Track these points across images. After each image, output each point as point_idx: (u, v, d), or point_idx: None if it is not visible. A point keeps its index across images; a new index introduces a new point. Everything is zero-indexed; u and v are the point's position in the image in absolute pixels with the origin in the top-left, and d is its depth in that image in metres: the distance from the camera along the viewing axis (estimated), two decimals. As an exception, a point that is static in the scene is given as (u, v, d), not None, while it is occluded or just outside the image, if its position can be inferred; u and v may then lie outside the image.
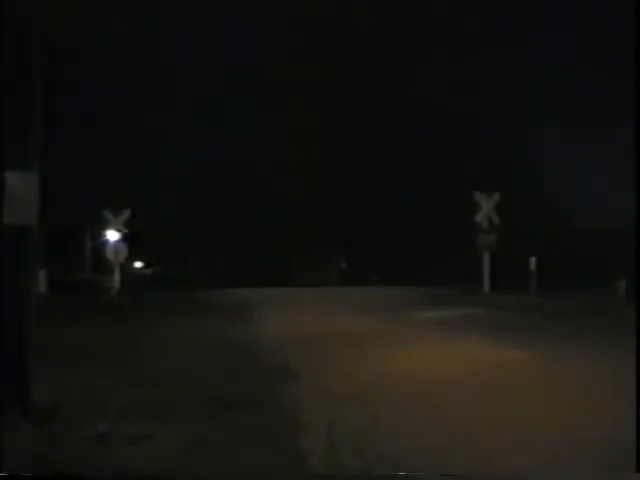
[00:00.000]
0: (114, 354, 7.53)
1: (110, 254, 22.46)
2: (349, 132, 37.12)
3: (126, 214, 23.54)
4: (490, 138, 33.41)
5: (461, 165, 32.50)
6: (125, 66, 30.62)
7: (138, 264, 42.53)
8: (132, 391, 5.36)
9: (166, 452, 3.83)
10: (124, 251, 22.67)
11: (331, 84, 34.81)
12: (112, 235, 23.32)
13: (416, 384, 5.97)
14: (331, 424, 4.44)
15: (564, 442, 4.06)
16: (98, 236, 27.49)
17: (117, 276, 22.49)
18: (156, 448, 3.89)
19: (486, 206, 22.36)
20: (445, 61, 31.96)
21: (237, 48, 33.71)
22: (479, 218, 22.34)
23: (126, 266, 30.45)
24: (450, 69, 31.95)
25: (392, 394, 5.51)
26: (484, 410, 4.94)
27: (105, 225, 24.02)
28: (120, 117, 31.32)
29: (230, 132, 35.83)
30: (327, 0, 28.72)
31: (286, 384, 5.95)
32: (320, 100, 35.22)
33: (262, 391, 5.57)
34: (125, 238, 23.18)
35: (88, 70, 28.72)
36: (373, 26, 33.08)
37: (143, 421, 4.41)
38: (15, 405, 4.08)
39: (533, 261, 21.94)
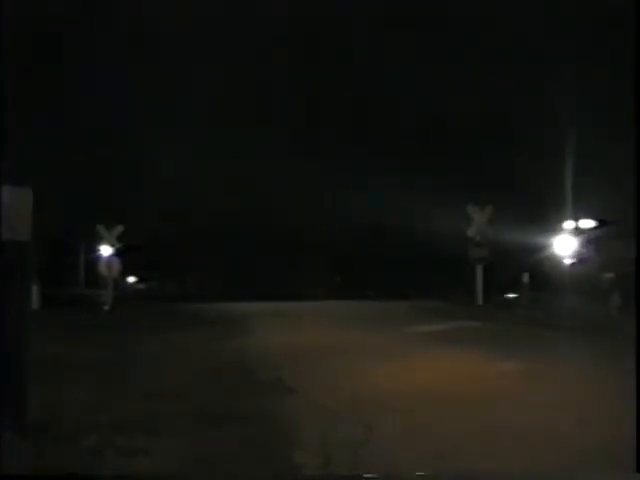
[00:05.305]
0: (98, 368, 7.46)
1: (103, 269, 22.40)
2: (346, 149, 37.33)
3: (119, 229, 23.52)
4: (486, 152, 33.60)
5: (458, 179, 32.65)
6: (124, 79, 30.76)
7: (132, 279, 42.45)
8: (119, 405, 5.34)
9: (156, 467, 3.82)
10: (117, 266, 22.61)
11: (329, 106, 35.08)
12: (105, 250, 23.27)
13: (413, 398, 5.96)
14: (325, 435, 4.42)
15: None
16: (92, 251, 27.42)
17: (110, 291, 22.42)
18: (148, 463, 3.88)
19: (478, 219, 22.11)
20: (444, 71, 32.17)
21: (236, 50, 33.96)
22: (471, 232, 22.11)
23: (120, 281, 30.39)
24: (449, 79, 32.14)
25: (388, 408, 5.49)
26: (483, 422, 4.93)
27: (99, 240, 23.97)
28: (120, 132, 31.39)
29: (230, 148, 35.98)
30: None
31: (279, 397, 5.93)
32: (316, 119, 35.45)
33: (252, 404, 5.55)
34: (118, 253, 23.13)
35: (87, 83, 28.84)
36: (371, 32, 33.34)
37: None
38: (10, 421, 4.05)
39: (526, 275, 22.06)
